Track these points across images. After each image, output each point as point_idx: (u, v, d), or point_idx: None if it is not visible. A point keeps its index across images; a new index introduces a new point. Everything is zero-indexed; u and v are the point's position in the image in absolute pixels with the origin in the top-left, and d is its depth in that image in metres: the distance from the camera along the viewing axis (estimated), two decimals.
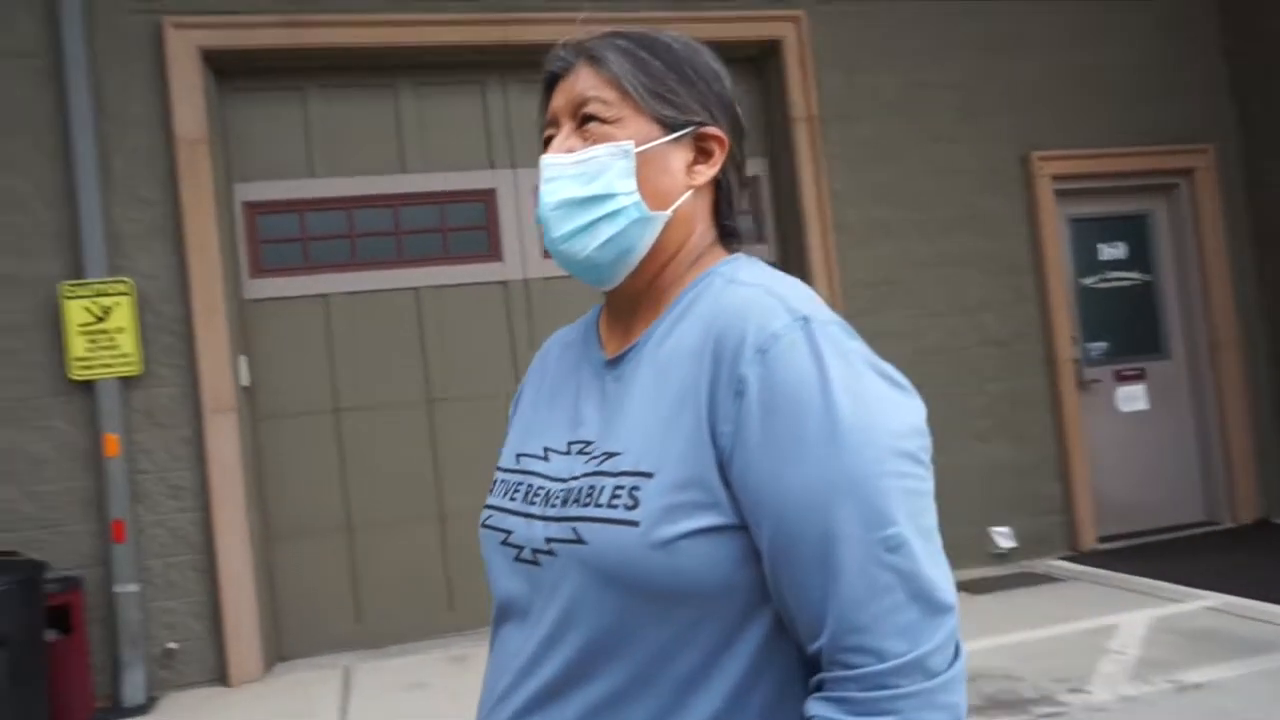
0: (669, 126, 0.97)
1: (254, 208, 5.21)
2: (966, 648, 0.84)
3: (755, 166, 5.93)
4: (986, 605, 5.05)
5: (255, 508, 4.93)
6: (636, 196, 0.95)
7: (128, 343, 4.66)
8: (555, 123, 0.99)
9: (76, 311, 4.61)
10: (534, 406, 1.06)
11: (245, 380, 4.98)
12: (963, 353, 5.88)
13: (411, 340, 5.31)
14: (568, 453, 0.95)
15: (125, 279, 4.69)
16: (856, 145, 5.79)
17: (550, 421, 1.01)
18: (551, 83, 1.00)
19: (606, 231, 0.95)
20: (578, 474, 0.92)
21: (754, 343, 0.85)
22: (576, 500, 0.90)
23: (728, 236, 1.03)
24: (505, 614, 0.97)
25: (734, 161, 1.02)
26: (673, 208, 0.97)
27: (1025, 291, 6.02)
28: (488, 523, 1.00)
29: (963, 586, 5.37)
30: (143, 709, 4.47)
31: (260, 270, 5.20)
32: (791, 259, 5.79)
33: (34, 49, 4.71)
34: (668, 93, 0.97)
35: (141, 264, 4.79)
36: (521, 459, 1.01)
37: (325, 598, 5.11)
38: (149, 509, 4.72)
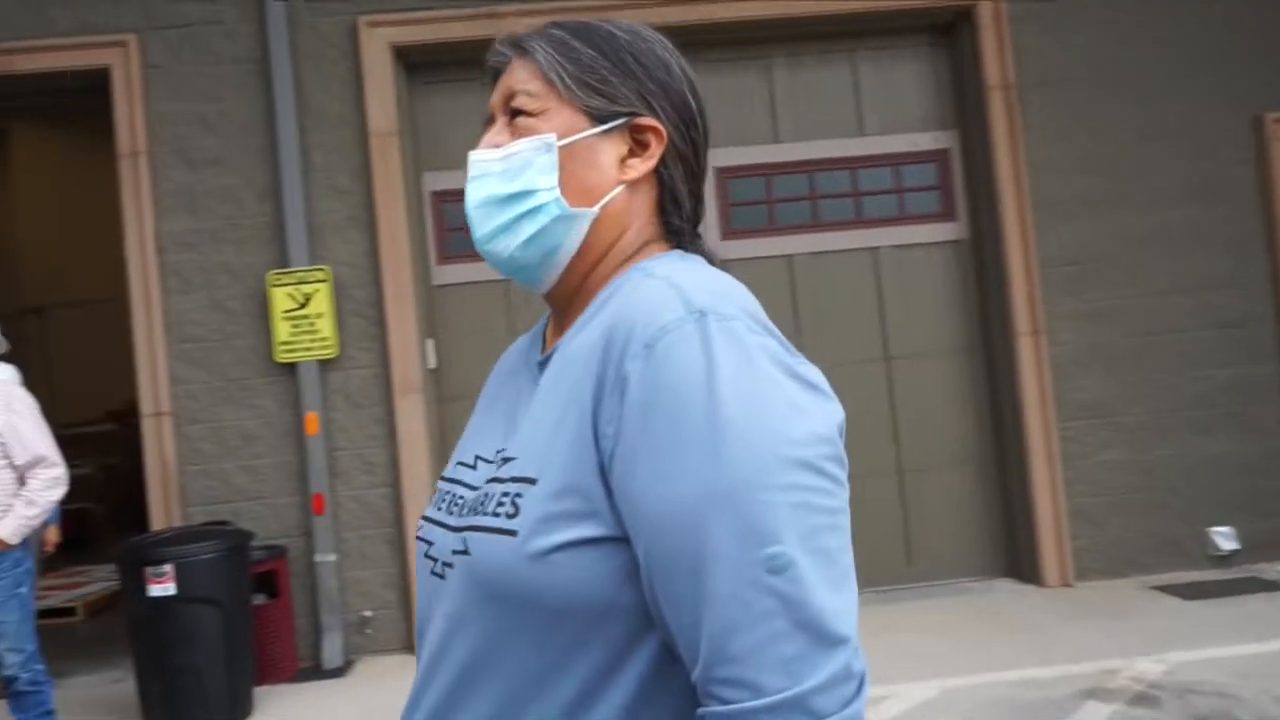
0: (597, 119, 0.90)
1: (440, 197, 5.41)
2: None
3: (944, 139, 5.61)
4: (1201, 612, 4.59)
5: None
6: (557, 193, 0.89)
7: (326, 327, 4.95)
8: (490, 118, 0.95)
9: (281, 299, 4.94)
10: (478, 412, 1.01)
11: (432, 363, 5.19)
12: (1180, 336, 5.35)
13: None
14: (491, 460, 0.89)
15: (323, 267, 4.98)
16: (1058, 112, 5.36)
17: (487, 427, 0.95)
18: (494, 79, 0.96)
19: (528, 230, 0.89)
20: (482, 482, 0.87)
21: (641, 337, 0.76)
22: (474, 509, 0.84)
23: (674, 234, 0.93)
24: (420, 630, 0.92)
25: (679, 154, 0.92)
26: (600, 204, 0.90)
27: (1257, 268, 5.41)
28: (418, 533, 0.95)
29: (1174, 590, 4.92)
30: (340, 671, 4.76)
31: (445, 257, 5.40)
32: (986, 237, 5.45)
33: (247, 55, 5.07)
34: (598, 82, 0.90)
35: (339, 252, 5.07)
36: (457, 467, 0.96)
37: None
38: (345, 484, 5.01)
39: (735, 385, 0.73)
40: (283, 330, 4.94)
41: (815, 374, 0.78)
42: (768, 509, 0.70)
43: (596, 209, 0.90)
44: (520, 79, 0.91)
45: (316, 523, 4.88)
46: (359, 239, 5.09)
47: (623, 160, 0.90)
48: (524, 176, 0.89)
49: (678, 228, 0.92)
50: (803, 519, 0.71)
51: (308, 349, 4.95)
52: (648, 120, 0.90)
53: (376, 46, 5.10)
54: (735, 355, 0.74)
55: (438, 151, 5.40)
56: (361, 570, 4.99)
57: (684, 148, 0.92)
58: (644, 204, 0.92)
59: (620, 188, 0.90)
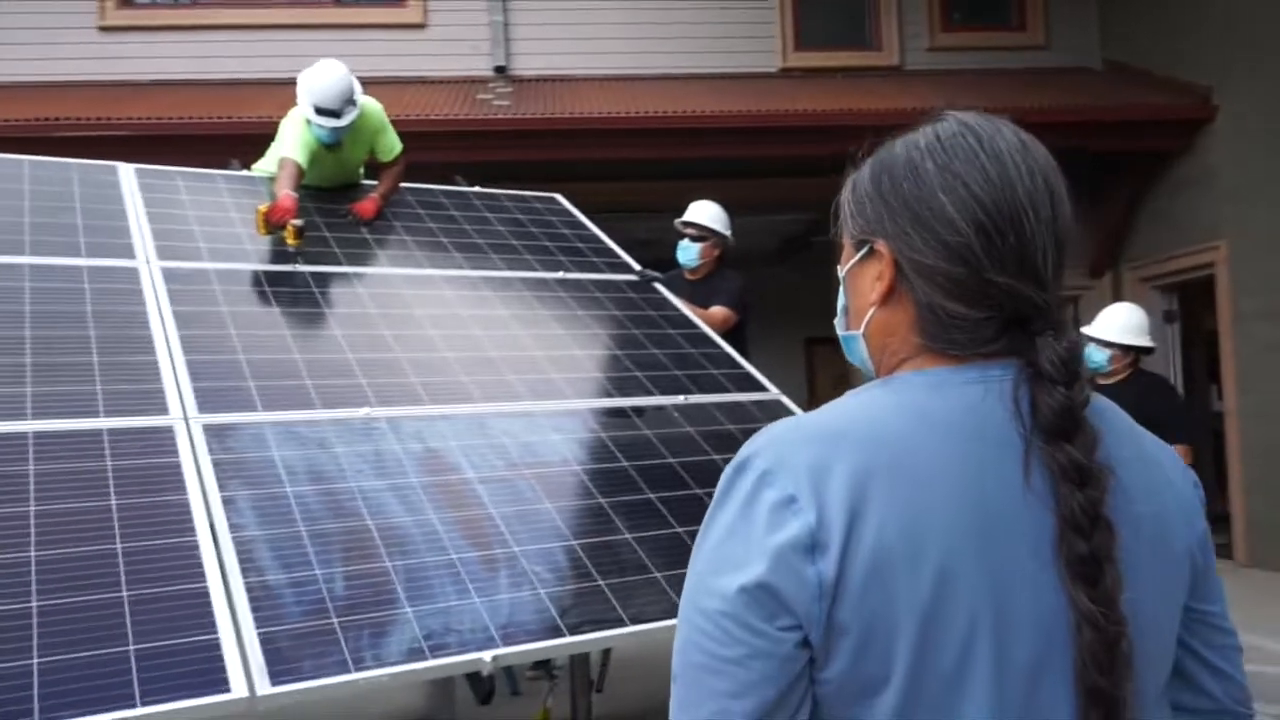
0: (856, 246, 0.94)
1: None
2: None
3: None
4: None
5: None
6: (841, 317, 0.98)
7: None
8: None
9: None
10: None
11: None
12: None
13: None
14: None
15: None
16: None
17: None
18: None
19: (846, 348, 0.99)
20: None
21: None
22: None
23: (944, 346, 0.87)
24: None
25: (923, 267, 0.86)
26: (862, 326, 0.93)
27: None
28: None
29: None
30: None
31: None
32: None
33: None
34: (857, 210, 0.93)
35: None
36: None
37: None
38: None
39: (705, 531, 0.84)
40: None
41: (783, 517, 0.78)
42: (680, 631, 0.83)
43: (860, 330, 0.94)
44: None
45: None
46: None
47: (874, 282, 0.91)
48: (839, 303, 1.00)
49: (947, 339, 0.86)
50: (692, 651, 0.81)
51: None
52: (877, 241, 0.90)
53: None
54: (720, 507, 0.83)
55: None
56: None
57: (938, 260, 0.85)
58: (901, 321, 0.89)
59: (873, 309, 0.91)
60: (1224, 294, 7.32)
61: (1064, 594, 0.77)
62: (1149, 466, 0.88)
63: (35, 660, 1.83)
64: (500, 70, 8.64)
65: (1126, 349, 4.19)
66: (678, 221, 4.85)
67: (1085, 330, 4.30)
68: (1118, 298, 8.51)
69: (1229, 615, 0.96)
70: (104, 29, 8.30)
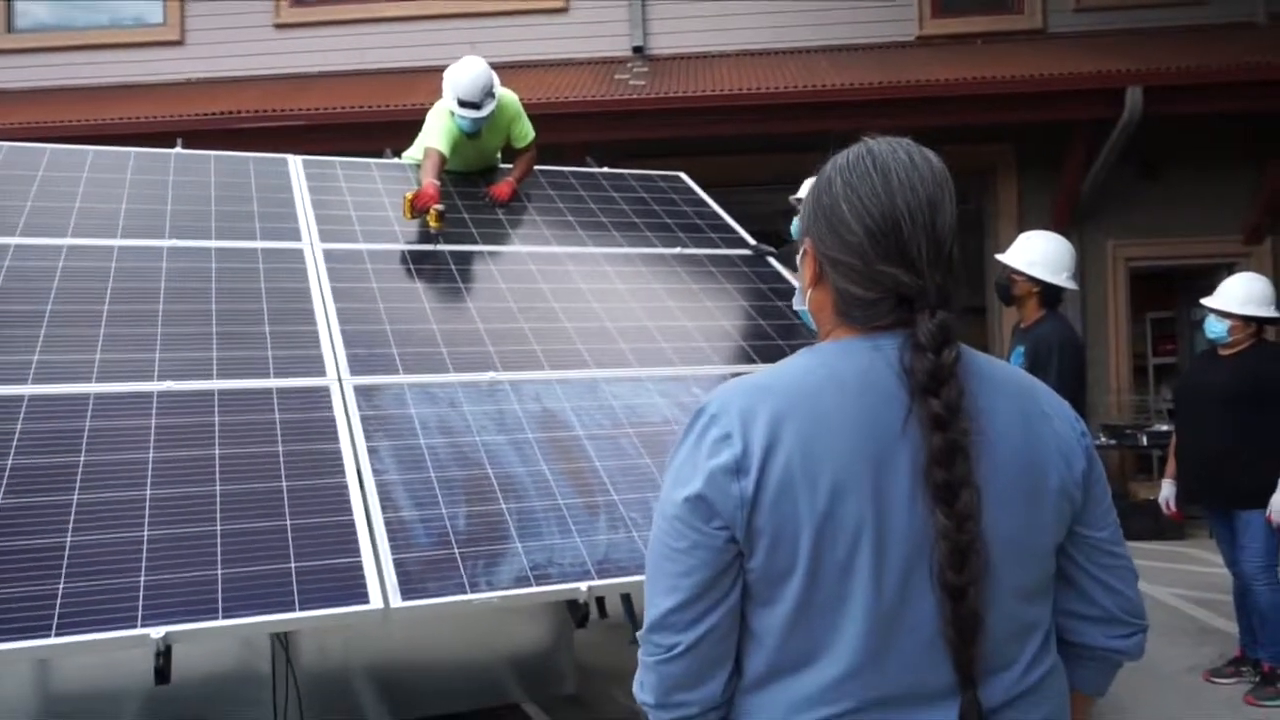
0: (800, 242, 1.21)
1: None
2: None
3: None
4: None
5: None
6: (798, 295, 1.25)
7: None
8: None
9: None
10: None
11: None
12: None
13: None
14: None
15: None
16: None
17: None
18: None
19: (801, 318, 1.30)
20: None
21: None
22: None
23: (854, 323, 1.13)
24: None
25: (834, 260, 1.12)
26: (805, 303, 1.21)
27: None
28: None
29: None
30: None
31: None
32: None
33: None
34: (801, 216, 1.21)
35: None
36: None
37: None
38: None
39: (671, 457, 1.13)
40: None
41: (718, 450, 1.06)
42: (651, 531, 1.13)
43: (804, 306, 1.21)
44: None
45: None
46: None
47: (807, 270, 1.19)
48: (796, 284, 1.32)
49: (856, 317, 1.12)
50: (656, 543, 1.11)
51: None
52: (807, 240, 1.18)
53: None
54: (682, 439, 1.11)
55: None
56: None
57: (841, 255, 1.11)
58: (826, 302, 1.16)
59: (809, 290, 1.19)
60: None
61: (928, 512, 1.02)
62: (1029, 418, 1.12)
63: (219, 571, 2.27)
64: (638, 50, 8.92)
65: (1247, 319, 4.13)
66: (791, 198, 5.03)
67: (1205, 301, 4.25)
68: (1277, 267, 8.10)
69: (1121, 541, 1.18)
70: (279, 26, 9.05)
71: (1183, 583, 6.05)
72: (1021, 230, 6.96)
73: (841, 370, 1.08)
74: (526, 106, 4.89)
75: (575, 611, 2.46)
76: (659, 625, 1.09)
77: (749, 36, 8.88)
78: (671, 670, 1.08)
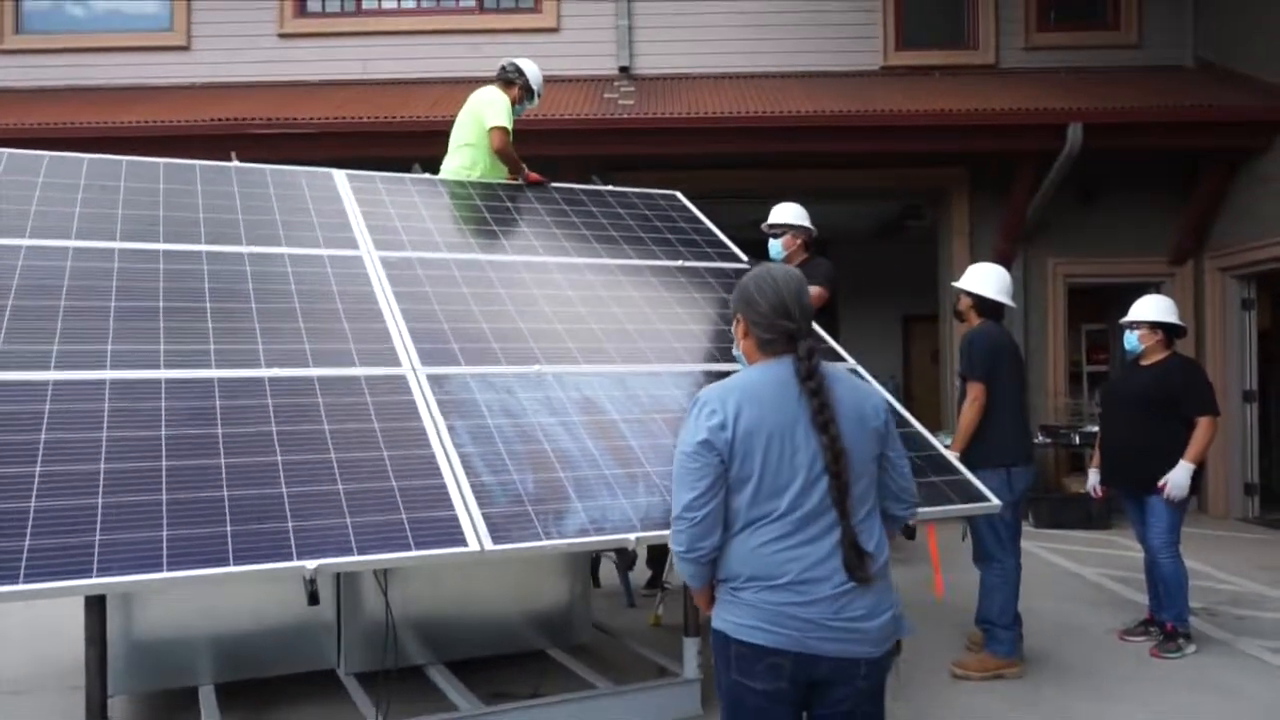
0: (734, 317, 2.32)
1: None
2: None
3: None
4: None
5: None
6: (735, 347, 2.32)
7: None
8: None
9: None
10: None
11: None
12: None
13: None
14: None
15: None
16: None
17: None
18: None
19: (739, 361, 2.38)
20: None
21: None
22: None
23: (771, 354, 2.21)
24: None
25: (752, 323, 2.20)
26: (741, 352, 2.28)
27: None
28: None
29: None
30: None
31: None
32: None
33: None
34: (733, 301, 2.31)
35: None
36: None
37: None
38: None
39: (684, 423, 2.16)
40: None
41: (711, 419, 2.07)
42: (674, 463, 2.16)
43: (739, 353, 2.29)
44: None
45: None
46: None
47: (739, 332, 2.28)
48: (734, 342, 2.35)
49: (768, 350, 2.19)
50: (677, 467, 2.12)
51: None
52: (739, 315, 2.25)
53: None
54: (690, 414, 2.14)
55: None
56: None
57: (757, 319, 2.18)
58: (752, 346, 2.24)
59: (743, 341, 2.26)
60: None
61: (818, 439, 2.05)
62: (859, 395, 2.20)
63: (348, 519, 2.86)
64: (624, 70, 9.56)
65: (1152, 326, 4.89)
66: (763, 226, 5.67)
67: (1121, 321, 5.06)
68: (1197, 285, 8.98)
69: (906, 460, 2.28)
70: (283, 35, 9.53)
71: (1106, 564, 6.91)
72: (972, 246, 7.74)
73: (768, 376, 2.14)
74: (523, 120, 5.94)
75: (623, 560, 3.10)
76: (686, 508, 2.07)
77: (727, 60, 9.57)
78: (693, 531, 2.08)
